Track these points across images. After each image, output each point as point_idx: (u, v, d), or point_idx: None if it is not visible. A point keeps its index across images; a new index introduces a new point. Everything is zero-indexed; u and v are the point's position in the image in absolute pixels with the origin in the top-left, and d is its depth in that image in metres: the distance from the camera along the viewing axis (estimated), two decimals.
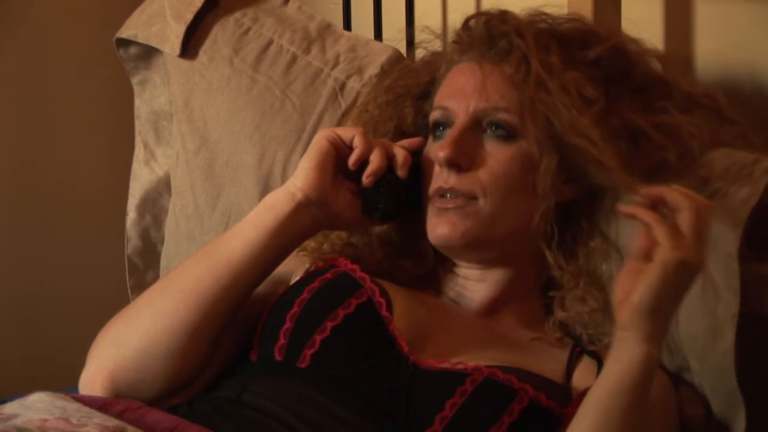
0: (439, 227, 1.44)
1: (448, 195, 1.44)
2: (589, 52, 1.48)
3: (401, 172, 1.46)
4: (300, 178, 1.44)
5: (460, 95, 1.47)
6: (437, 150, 1.44)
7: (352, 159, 1.44)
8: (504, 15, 1.51)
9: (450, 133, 1.45)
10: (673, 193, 1.26)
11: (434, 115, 1.50)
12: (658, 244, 1.24)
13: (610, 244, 1.46)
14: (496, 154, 1.44)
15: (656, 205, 1.27)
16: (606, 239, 1.46)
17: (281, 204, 1.43)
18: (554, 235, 1.45)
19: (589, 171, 1.43)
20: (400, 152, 1.46)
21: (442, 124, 1.48)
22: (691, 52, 1.80)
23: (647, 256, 1.25)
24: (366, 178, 1.44)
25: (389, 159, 1.46)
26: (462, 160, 1.43)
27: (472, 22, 1.53)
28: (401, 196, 1.47)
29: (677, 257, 1.23)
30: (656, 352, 1.25)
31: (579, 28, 1.52)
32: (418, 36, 1.67)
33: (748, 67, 1.72)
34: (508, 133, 1.44)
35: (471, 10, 1.63)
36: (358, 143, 1.44)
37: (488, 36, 1.49)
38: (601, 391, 1.26)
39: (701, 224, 1.25)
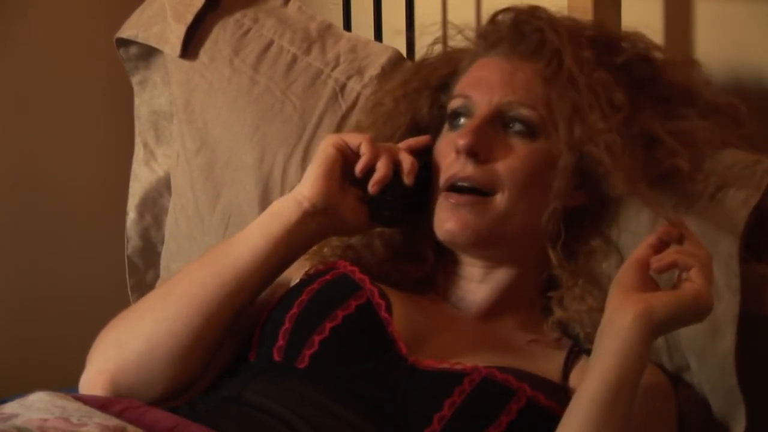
0: (448, 222, 1.43)
1: (463, 184, 1.43)
2: (617, 58, 1.47)
3: (408, 180, 1.44)
4: (307, 186, 1.43)
5: (484, 86, 1.46)
6: (456, 137, 1.43)
7: (358, 167, 1.44)
8: (535, 10, 1.50)
9: (470, 122, 1.44)
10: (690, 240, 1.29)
11: (454, 102, 1.49)
12: (687, 274, 1.27)
13: (610, 245, 1.46)
14: (517, 150, 1.43)
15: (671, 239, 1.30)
16: (607, 239, 1.46)
17: (288, 212, 1.43)
18: (561, 235, 1.44)
19: (602, 181, 1.43)
20: (406, 159, 1.45)
21: (460, 114, 1.47)
22: (691, 52, 1.80)
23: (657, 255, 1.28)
24: (372, 187, 1.44)
25: (396, 165, 1.45)
26: (481, 150, 1.42)
27: (500, 17, 1.52)
28: (408, 202, 1.46)
29: (710, 301, 1.26)
30: (643, 352, 1.25)
31: (605, 33, 1.52)
32: (424, 37, 1.66)
33: (748, 67, 1.72)
34: (530, 131, 1.44)
35: (471, 10, 1.64)
36: (365, 150, 1.44)
37: (518, 31, 1.49)
38: (590, 381, 1.26)
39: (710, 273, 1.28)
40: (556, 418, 1.31)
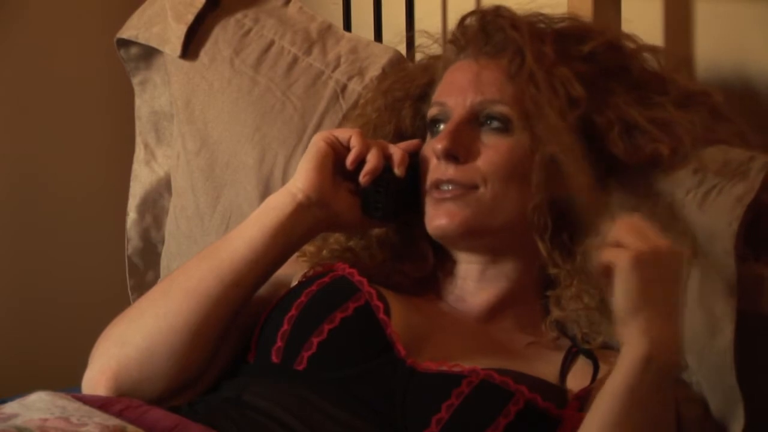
0: (437, 218, 1.44)
1: (446, 186, 1.44)
2: (583, 47, 1.48)
3: (399, 171, 1.46)
4: (300, 179, 1.44)
5: (456, 91, 1.47)
6: (435, 142, 1.45)
7: (349, 159, 1.45)
8: (498, 9, 1.51)
9: (447, 126, 1.46)
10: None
11: (431, 111, 1.50)
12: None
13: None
14: (495, 146, 1.44)
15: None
16: (603, 237, 1.46)
17: (283, 205, 1.44)
18: (548, 228, 1.44)
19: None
20: (396, 151, 1.46)
21: (439, 121, 1.49)
22: (691, 52, 1.79)
23: None
24: (363, 177, 1.44)
25: (387, 159, 1.46)
26: (459, 152, 1.44)
27: (467, 21, 1.54)
28: (400, 195, 1.47)
29: (629, 256, 1.24)
30: (654, 346, 1.23)
31: (574, 25, 1.53)
32: (418, 39, 1.67)
33: (748, 67, 1.72)
34: (504, 126, 1.45)
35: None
36: (354, 143, 1.45)
37: (483, 32, 1.50)
38: (604, 394, 1.26)
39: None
40: (553, 420, 1.32)
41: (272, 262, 1.44)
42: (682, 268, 1.27)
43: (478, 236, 1.45)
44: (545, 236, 1.45)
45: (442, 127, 1.48)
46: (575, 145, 1.41)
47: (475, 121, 1.46)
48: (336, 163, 1.45)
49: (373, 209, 1.46)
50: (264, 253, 1.43)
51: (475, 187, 1.43)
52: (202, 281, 1.41)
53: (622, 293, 1.24)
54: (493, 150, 1.44)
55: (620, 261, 1.24)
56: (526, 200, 1.44)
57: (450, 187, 1.44)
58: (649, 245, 1.24)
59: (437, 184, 1.45)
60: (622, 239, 1.25)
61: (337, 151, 1.46)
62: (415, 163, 1.48)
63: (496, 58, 1.48)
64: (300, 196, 1.44)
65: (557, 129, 1.42)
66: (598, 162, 1.44)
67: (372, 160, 1.44)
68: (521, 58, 1.45)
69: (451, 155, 1.43)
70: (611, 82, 1.47)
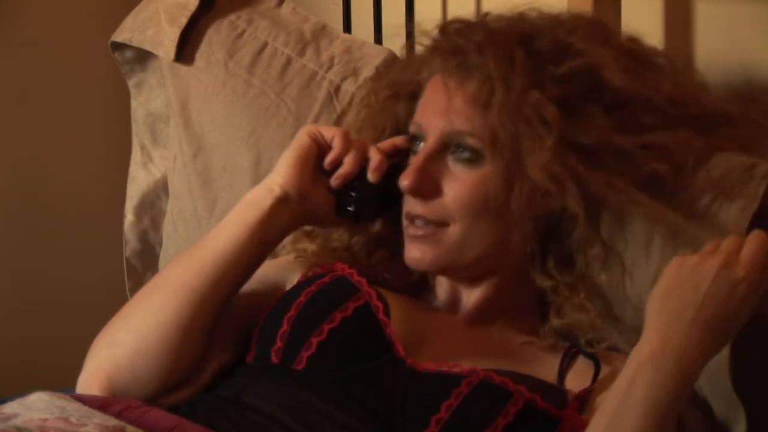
0: (410, 252, 1.44)
1: (416, 222, 1.43)
2: (558, 68, 1.42)
3: (372, 177, 1.44)
4: (280, 174, 1.45)
5: (431, 113, 1.45)
6: (402, 178, 1.43)
7: (327, 160, 1.45)
8: (469, 27, 1.47)
9: (415, 160, 1.43)
10: None
11: (411, 128, 1.48)
12: None
13: (608, 252, 1.44)
14: (463, 179, 1.42)
15: None
16: (605, 247, 1.44)
17: (261, 199, 1.44)
18: (534, 255, 1.43)
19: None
20: (375, 157, 1.45)
21: (417, 138, 1.46)
22: (691, 52, 1.79)
23: None
24: (333, 180, 1.45)
25: (366, 162, 1.45)
26: (425, 189, 1.42)
27: (449, 28, 1.49)
28: (375, 200, 1.46)
29: (676, 259, 1.28)
30: (661, 346, 1.25)
31: (556, 40, 1.45)
32: (416, 38, 1.66)
33: (748, 67, 1.72)
34: (473, 157, 1.41)
35: (471, 10, 1.63)
36: (336, 144, 1.45)
37: (459, 49, 1.45)
38: (609, 390, 1.27)
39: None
40: (552, 421, 1.32)
41: (255, 255, 1.44)
42: (731, 291, 1.27)
43: (450, 272, 1.45)
44: (535, 263, 1.44)
45: (420, 145, 1.45)
46: (557, 168, 1.37)
47: (446, 150, 1.43)
48: (318, 159, 1.46)
49: (344, 211, 1.47)
50: (245, 248, 1.43)
51: (445, 224, 1.42)
52: (187, 278, 1.42)
53: (654, 289, 1.29)
54: (460, 183, 1.41)
55: (671, 261, 1.28)
56: (501, 231, 1.42)
57: (422, 224, 1.43)
58: (702, 257, 1.28)
59: (408, 218, 1.44)
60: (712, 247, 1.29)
61: (320, 147, 1.46)
62: (397, 165, 1.46)
63: (466, 82, 1.43)
64: (277, 191, 1.44)
65: (536, 155, 1.38)
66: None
67: (347, 163, 1.44)
68: (490, 87, 1.40)
69: (418, 193, 1.42)
70: (590, 105, 1.41)
